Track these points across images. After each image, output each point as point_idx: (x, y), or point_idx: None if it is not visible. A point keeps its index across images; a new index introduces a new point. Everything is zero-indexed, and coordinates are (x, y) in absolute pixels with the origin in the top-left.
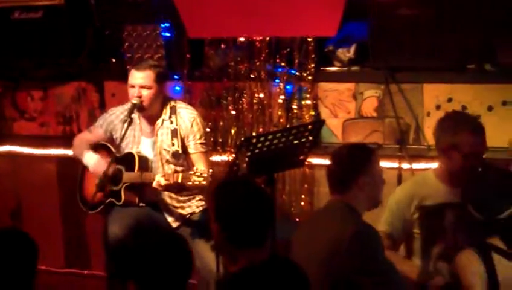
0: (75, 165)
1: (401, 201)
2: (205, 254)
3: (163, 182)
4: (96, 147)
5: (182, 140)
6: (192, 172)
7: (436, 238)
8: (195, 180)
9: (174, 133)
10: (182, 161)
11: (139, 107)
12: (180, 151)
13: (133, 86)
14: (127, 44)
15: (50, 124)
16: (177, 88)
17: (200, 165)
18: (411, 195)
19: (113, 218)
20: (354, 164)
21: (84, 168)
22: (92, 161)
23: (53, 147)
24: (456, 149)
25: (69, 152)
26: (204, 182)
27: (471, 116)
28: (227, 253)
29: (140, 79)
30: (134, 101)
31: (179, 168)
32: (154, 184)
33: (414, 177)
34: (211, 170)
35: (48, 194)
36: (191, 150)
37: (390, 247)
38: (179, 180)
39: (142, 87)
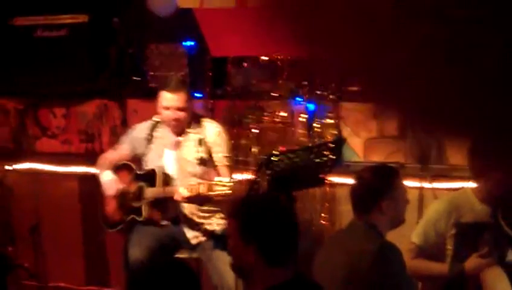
0: (97, 183)
1: (439, 216)
2: (225, 270)
3: (186, 193)
4: (118, 167)
5: (208, 150)
6: (214, 182)
7: (468, 257)
8: (218, 189)
9: (200, 142)
10: (206, 174)
11: (172, 129)
12: (206, 158)
13: (167, 108)
14: (150, 62)
15: (72, 141)
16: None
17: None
18: (449, 211)
19: (134, 239)
20: (377, 188)
21: None
22: (107, 179)
23: (75, 164)
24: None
25: (92, 170)
26: (229, 191)
27: None
28: (252, 272)
29: (175, 101)
30: (156, 118)
31: (202, 181)
32: (176, 196)
33: (453, 193)
34: (233, 179)
35: (69, 211)
36: (215, 162)
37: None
38: (202, 191)
39: (178, 109)
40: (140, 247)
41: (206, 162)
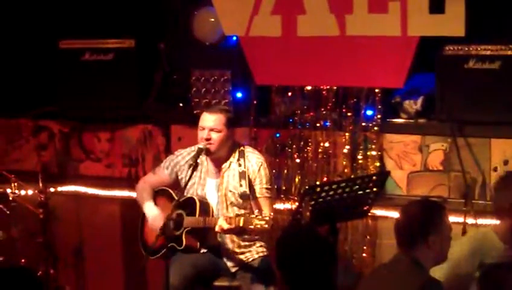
0: (139, 208)
1: (463, 258)
2: None
3: (225, 225)
4: (158, 193)
5: (250, 182)
6: (253, 215)
7: None
8: (257, 223)
9: (243, 175)
10: (247, 204)
11: (207, 152)
12: (248, 192)
13: (203, 129)
14: (194, 89)
15: (116, 165)
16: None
17: (264, 210)
18: (473, 252)
19: (174, 268)
20: (425, 222)
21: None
22: (152, 214)
23: (118, 188)
24: None
25: (134, 194)
26: (266, 225)
27: None
28: None
29: (211, 122)
30: (201, 145)
31: (242, 211)
32: (217, 228)
33: (473, 234)
34: (272, 214)
35: (110, 235)
36: (256, 194)
37: None
38: (241, 224)
39: (212, 130)
40: (180, 276)
41: (248, 195)
